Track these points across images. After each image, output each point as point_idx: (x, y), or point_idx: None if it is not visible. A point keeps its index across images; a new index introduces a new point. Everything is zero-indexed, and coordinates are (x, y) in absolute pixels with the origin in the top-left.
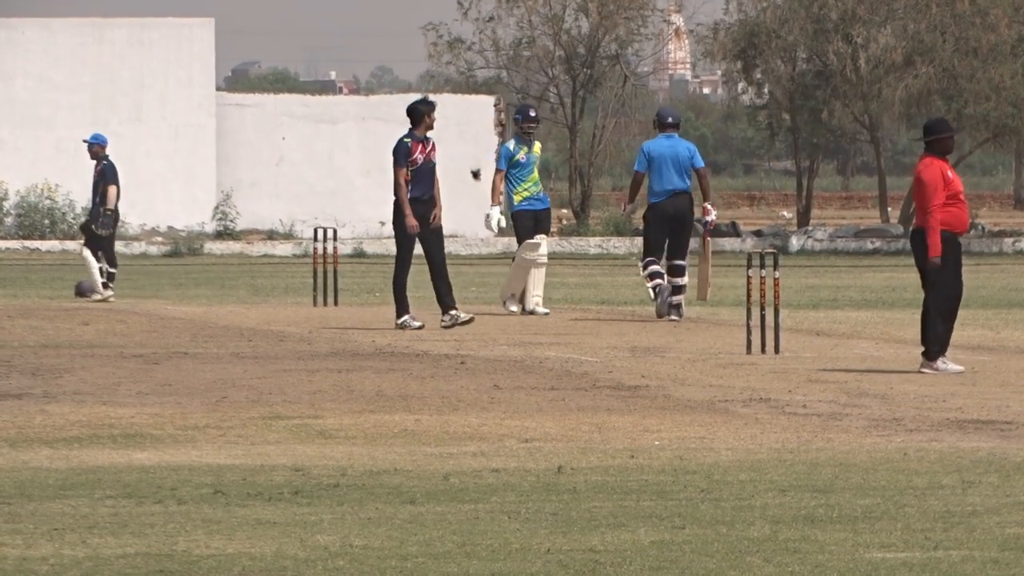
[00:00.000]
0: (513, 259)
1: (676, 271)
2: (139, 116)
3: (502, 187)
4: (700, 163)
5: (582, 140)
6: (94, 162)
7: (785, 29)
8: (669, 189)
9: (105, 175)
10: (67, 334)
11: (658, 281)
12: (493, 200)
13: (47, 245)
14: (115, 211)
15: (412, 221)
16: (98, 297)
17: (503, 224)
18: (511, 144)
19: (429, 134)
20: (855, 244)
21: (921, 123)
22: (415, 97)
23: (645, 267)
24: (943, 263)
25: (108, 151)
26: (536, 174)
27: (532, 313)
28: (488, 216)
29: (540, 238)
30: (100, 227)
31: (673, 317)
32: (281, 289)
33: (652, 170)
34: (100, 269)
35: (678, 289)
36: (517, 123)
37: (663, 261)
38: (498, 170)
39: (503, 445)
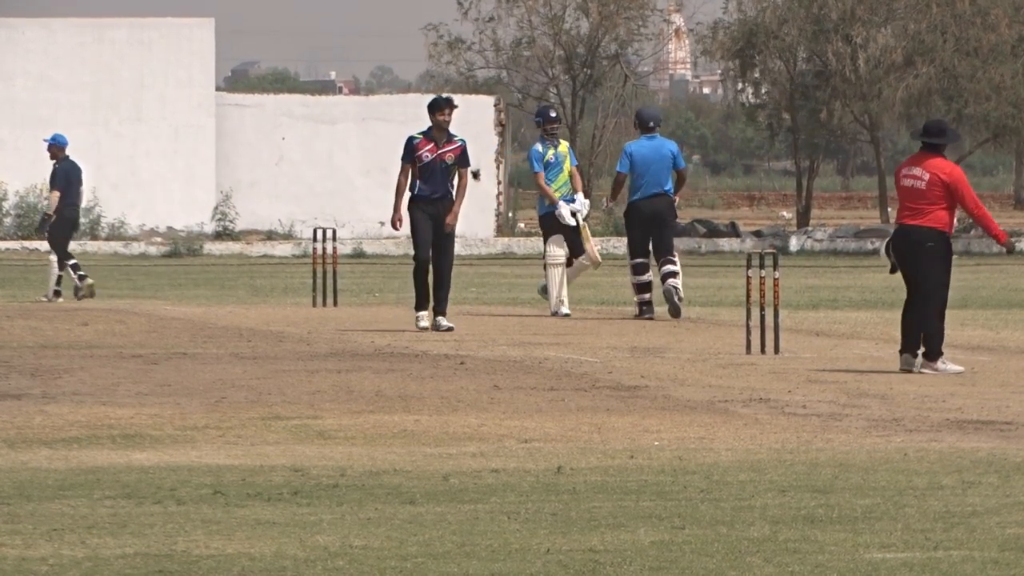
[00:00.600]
0: (543, 266)
1: (668, 261)
2: (139, 116)
3: (547, 187)
4: (682, 164)
5: (582, 140)
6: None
7: (784, 29)
8: (650, 191)
9: (55, 179)
10: (66, 335)
11: (645, 298)
12: (551, 199)
13: (46, 246)
14: (66, 215)
15: (396, 216)
16: (44, 299)
17: (576, 210)
18: (539, 146)
19: (461, 134)
20: (855, 244)
21: (922, 123)
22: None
23: (634, 271)
24: (943, 263)
25: (68, 151)
26: (566, 173)
27: (555, 314)
28: (560, 215)
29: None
30: (39, 230)
31: (675, 299)
32: (280, 289)
33: (635, 171)
34: (59, 278)
35: (674, 275)
36: (539, 125)
37: (652, 263)
38: (535, 173)
39: (502, 445)
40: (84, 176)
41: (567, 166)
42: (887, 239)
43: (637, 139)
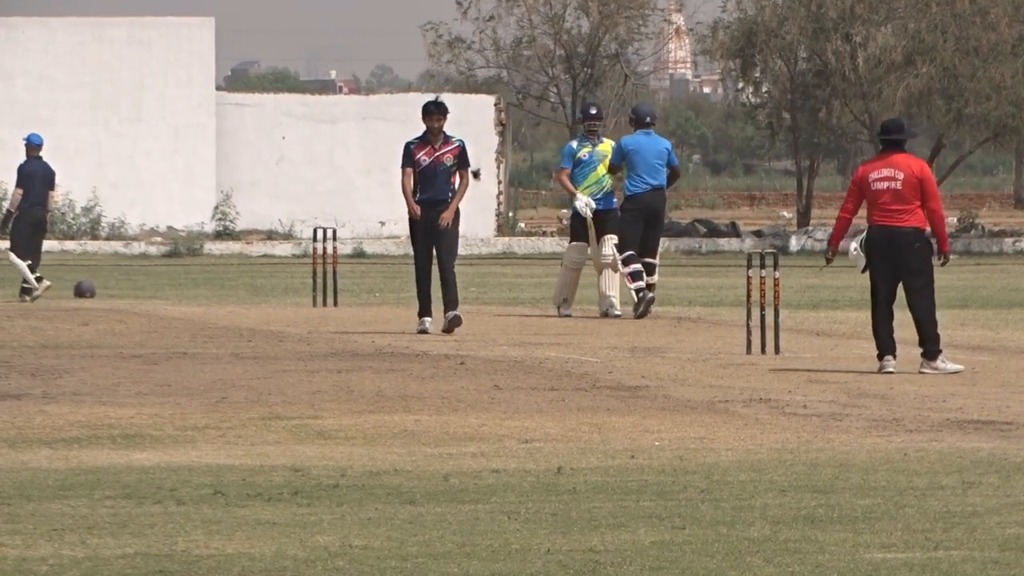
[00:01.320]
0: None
1: (649, 269)
2: (139, 116)
3: (569, 183)
4: (675, 161)
5: None
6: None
7: (784, 28)
8: (651, 183)
9: (17, 176)
10: (66, 334)
11: (640, 284)
12: (570, 193)
13: (46, 245)
14: (33, 214)
15: (414, 208)
16: (37, 293)
17: (592, 205)
18: (574, 142)
19: (461, 133)
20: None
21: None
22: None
23: (625, 263)
24: (930, 261)
25: (43, 152)
26: (598, 173)
27: (606, 315)
28: (576, 208)
29: (606, 239)
30: (2, 227)
31: (648, 307)
32: (281, 289)
33: (631, 164)
34: (30, 266)
35: (650, 287)
36: (580, 122)
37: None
38: (561, 168)
39: (503, 446)
40: (88, 176)
41: (604, 166)
42: (858, 239)
43: (632, 134)
